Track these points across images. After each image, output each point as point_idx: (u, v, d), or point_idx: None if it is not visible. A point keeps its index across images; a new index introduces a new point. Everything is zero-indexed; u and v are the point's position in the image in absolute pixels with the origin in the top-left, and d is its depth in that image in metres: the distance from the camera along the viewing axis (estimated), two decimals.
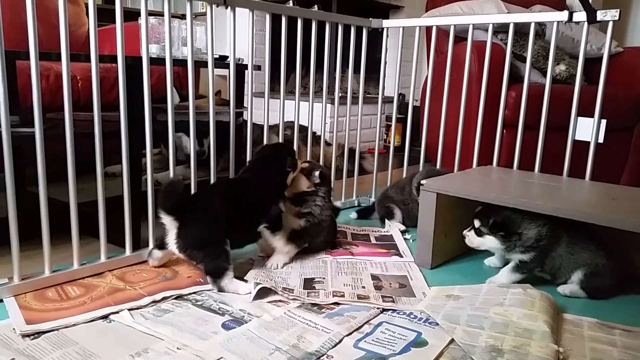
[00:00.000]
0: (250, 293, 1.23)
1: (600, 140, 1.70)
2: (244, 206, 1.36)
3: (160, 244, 1.34)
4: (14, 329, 1.05)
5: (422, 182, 1.51)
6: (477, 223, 1.39)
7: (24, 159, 1.64)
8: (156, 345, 1.02)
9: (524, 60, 2.12)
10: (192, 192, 1.50)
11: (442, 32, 2.54)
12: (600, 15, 1.62)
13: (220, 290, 1.26)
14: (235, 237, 1.33)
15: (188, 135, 1.54)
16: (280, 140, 1.86)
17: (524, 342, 1.04)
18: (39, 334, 1.04)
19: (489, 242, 1.37)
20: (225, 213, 1.32)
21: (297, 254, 1.53)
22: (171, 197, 1.26)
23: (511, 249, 1.35)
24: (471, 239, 1.41)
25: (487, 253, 1.52)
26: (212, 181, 1.59)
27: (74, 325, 1.08)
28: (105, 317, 1.13)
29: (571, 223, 1.29)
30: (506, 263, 1.42)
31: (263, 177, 1.41)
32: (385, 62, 2.16)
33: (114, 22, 1.33)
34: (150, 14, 1.44)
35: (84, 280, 1.31)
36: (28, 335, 1.03)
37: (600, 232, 1.31)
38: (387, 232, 1.81)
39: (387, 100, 3.45)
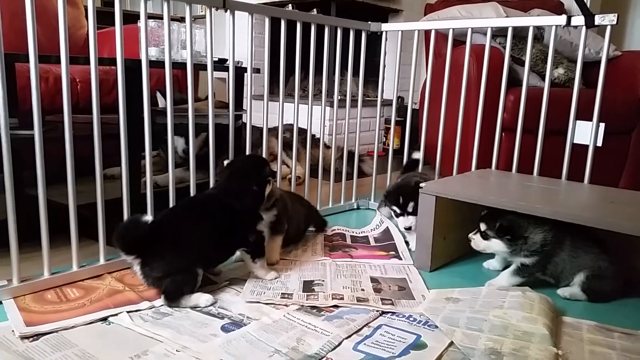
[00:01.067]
0: (215, 303, 1.21)
1: (599, 143, 1.71)
2: (216, 230, 1.27)
3: None
4: (13, 330, 1.05)
5: (421, 184, 1.51)
6: (483, 226, 1.39)
7: (23, 162, 1.64)
8: (155, 348, 1.02)
9: (522, 64, 2.14)
10: (154, 219, 1.30)
11: (441, 35, 2.55)
12: (598, 19, 1.62)
13: (176, 306, 1.20)
14: (209, 259, 1.29)
15: (180, 137, 1.53)
16: (280, 143, 1.87)
17: (523, 345, 1.04)
18: (38, 336, 1.04)
19: (495, 245, 1.38)
20: (194, 238, 1.23)
21: (297, 256, 1.52)
22: (129, 235, 1.20)
23: (516, 253, 1.36)
24: (477, 242, 1.42)
25: (486, 256, 1.52)
26: (211, 184, 1.59)
27: (73, 327, 1.08)
28: (104, 319, 1.12)
29: (575, 227, 1.29)
30: (507, 266, 1.42)
31: (239, 194, 1.31)
32: (384, 66, 2.17)
33: (112, 24, 1.33)
34: (150, 16, 1.44)
35: (83, 282, 1.30)
36: (27, 337, 1.03)
37: (603, 235, 1.31)
38: (380, 223, 1.83)
39: (386, 103, 3.46)
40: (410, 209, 1.53)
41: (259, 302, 1.23)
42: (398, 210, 1.57)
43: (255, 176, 1.33)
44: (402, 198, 1.54)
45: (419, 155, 2.02)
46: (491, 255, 1.52)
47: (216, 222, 1.28)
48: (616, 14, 1.60)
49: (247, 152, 1.72)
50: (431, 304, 1.25)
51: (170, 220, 1.29)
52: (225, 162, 1.42)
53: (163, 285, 1.20)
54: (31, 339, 1.03)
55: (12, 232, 1.18)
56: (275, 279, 1.37)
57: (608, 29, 1.64)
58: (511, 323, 1.12)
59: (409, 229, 1.57)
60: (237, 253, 1.38)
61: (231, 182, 1.34)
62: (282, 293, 1.28)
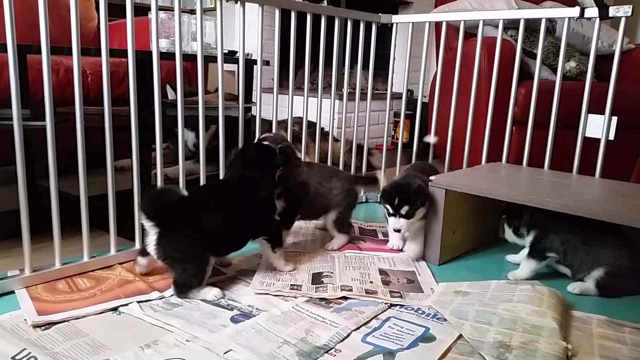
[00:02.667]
0: (224, 297, 1.22)
1: (611, 137, 1.69)
2: (237, 217, 1.28)
3: (143, 250, 1.26)
4: (25, 319, 1.06)
5: (431, 178, 1.50)
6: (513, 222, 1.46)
7: (34, 153, 1.66)
8: (165, 337, 1.02)
9: (534, 56, 2.12)
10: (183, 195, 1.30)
11: (452, 28, 2.53)
12: (612, 11, 1.60)
13: (185, 298, 1.21)
14: (224, 247, 1.30)
15: (190, 130, 1.53)
16: (289, 136, 1.87)
17: (532, 339, 1.04)
18: (50, 325, 1.05)
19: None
20: (215, 225, 1.23)
21: (306, 248, 1.53)
22: (157, 202, 1.20)
23: (517, 233, 1.42)
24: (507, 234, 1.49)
25: (496, 250, 1.51)
26: (220, 176, 1.60)
27: (84, 316, 1.09)
28: (114, 309, 1.14)
29: (597, 222, 1.28)
30: None
31: (260, 181, 1.32)
32: (394, 58, 2.16)
33: (123, 17, 1.34)
34: (160, 8, 1.44)
35: (94, 272, 1.32)
36: (39, 326, 1.04)
37: (627, 232, 1.30)
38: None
39: (396, 97, 3.44)
40: (403, 211, 1.45)
41: (268, 294, 1.23)
42: (391, 211, 1.48)
43: (271, 164, 1.34)
44: (397, 199, 1.46)
45: (431, 139, 1.96)
46: (514, 249, 1.51)
47: (239, 208, 1.29)
48: (631, 6, 1.58)
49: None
50: (440, 297, 1.25)
51: (197, 201, 1.27)
52: (233, 151, 1.41)
53: (174, 275, 1.21)
54: (43, 327, 1.04)
55: (25, 223, 1.19)
56: (293, 270, 1.37)
57: (622, 20, 1.62)
58: (520, 316, 1.12)
59: (398, 231, 1.49)
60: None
61: (250, 169, 1.33)
62: (291, 284, 1.29)
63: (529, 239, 1.41)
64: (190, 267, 1.20)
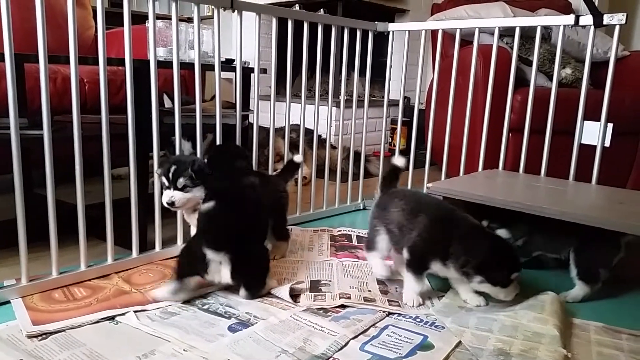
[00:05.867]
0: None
1: (607, 144, 1.70)
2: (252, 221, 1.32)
3: (190, 272, 1.23)
4: (21, 329, 1.05)
5: (428, 185, 1.50)
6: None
7: (31, 161, 1.65)
8: (163, 347, 1.02)
9: (530, 64, 2.13)
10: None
11: (448, 35, 2.54)
12: (607, 19, 1.62)
13: (258, 297, 1.26)
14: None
15: (184, 138, 1.52)
16: (286, 144, 1.87)
17: (532, 346, 1.04)
18: (47, 335, 1.05)
19: None
20: (265, 227, 1.35)
21: (303, 257, 1.53)
22: (220, 232, 1.22)
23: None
24: None
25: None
26: None
27: (79, 326, 1.09)
28: (111, 318, 1.13)
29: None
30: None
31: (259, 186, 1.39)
32: (391, 66, 2.17)
33: (120, 25, 1.34)
34: (158, 17, 1.45)
35: (90, 281, 1.31)
36: (35, 336, 1.04)
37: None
38: None
39: (393, 104, 3.44)
40: (179, 185, 1.34)
41: (263, 302, 1.23)
42: (166, 183, 1.35)
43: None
44: (175, 167, 1.34)
45: (400, 161, 1.50)
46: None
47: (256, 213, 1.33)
48: (625, 14, 1.59)
49: (254, 153, 1.72)
50: (444, 307, 1.24)
51: (245, 211, 1.29)
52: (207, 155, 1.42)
53: (244, 283, 1.25)
54: (40, 337, 1.04)
55: (21, 231, 1.19)
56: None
57: (617, 28, 1.63)
58: (521, 323, 1.12)
59: (171, 204, 1.35)
60: None
61: (249, 174, 1.38)
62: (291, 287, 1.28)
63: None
64: (258, 272, 1.26)
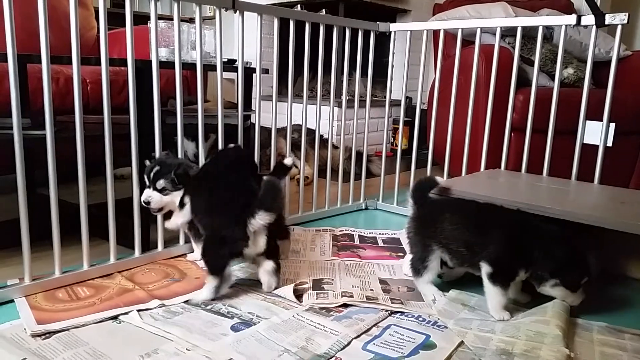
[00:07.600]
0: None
1: (609, 143, 1.70)
2: None
3: (227, 259, 1.23)
4: (25, 329, 1.06)
5: (438, 179, 1.48)
6: None
7: (34, 161, 1.66)
8: (165, 346, 1.02)
9: (532, 63, 2.12)
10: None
11: (450, 35, 2.54)
12: (609, 18, 1.61)
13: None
14: None
15: (188, 139, 1.53)
16: (288, 144, 1.87)
17: (534, 346, 1.03)
18: (50, 334, 1.05)
19: None
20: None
21: (305, 257, 1.53)
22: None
23: None
24: None
25: None
26: None
27: (83, 325, 1.09)
28: (114, 317, 1.13)
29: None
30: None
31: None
32: (393, 66, 2.17)
33: (122, 26, 1.34)
34: (160, 17, 1.45)
35: (93, 281, 1.31)
36: (39, 335, 1.04)
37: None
38: (394, 234, 1.80)
39: (395, 104, 3.45)
40: (159, 186, 1.35)
41: (266, 301, 1.23)
42: (147, 182, 1.37)
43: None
44: (158, 168, 1.36)
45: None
46: None
47: None
48: (627, 13, 1.59)
49: (256, 153, 1.72)
50: (446, 306, 1.24)
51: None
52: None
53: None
54: (43, 337, 1.04)
55: (24, 231, 1.19)
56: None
57: (619, 28, 1.63)
58: (524, 323, 1.12)
59: (147, 203, 1.37)
60: None
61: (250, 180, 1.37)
62: (295, 287, 1.28)
63: None
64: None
